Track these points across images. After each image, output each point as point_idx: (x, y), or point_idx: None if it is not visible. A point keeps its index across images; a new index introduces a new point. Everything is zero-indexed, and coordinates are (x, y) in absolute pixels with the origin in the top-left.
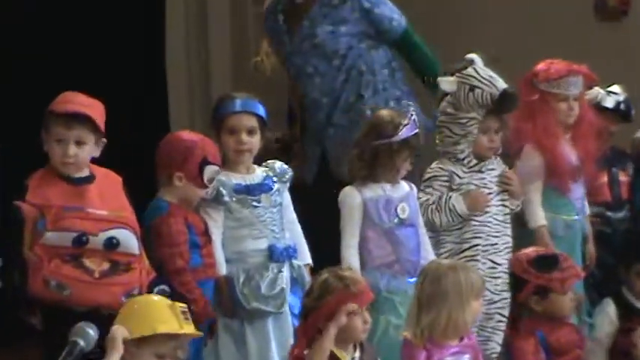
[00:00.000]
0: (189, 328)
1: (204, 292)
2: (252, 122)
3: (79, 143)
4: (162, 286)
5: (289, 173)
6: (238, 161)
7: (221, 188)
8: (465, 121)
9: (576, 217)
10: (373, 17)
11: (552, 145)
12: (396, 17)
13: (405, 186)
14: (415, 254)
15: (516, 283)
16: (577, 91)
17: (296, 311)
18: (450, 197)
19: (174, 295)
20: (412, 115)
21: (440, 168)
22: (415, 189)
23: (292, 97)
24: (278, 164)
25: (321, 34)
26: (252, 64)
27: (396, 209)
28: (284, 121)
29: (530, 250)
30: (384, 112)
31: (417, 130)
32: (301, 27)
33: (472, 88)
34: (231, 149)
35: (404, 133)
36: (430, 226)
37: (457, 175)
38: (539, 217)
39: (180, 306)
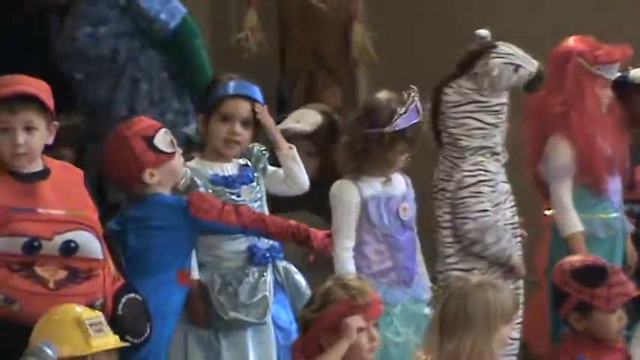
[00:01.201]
0: (100, 343)
1: (180, 301)
2: (249, 112)
3: (29, 129)
4: (132, 295)
5: (264, 157)
6: (224, 153)
7: (195, 178)
8: (498, 108)
9: (615, 214)
10: (133, 12)
11: (592, 135)
12: (162, 17)
13: (401, 181)
14: (412, 261)
15: (557, 295)
16: (614, 75)
17: (281, 322)
18: (510, 256)
19: (145, 305)
20: (413, 102)
21: (485, 171)
22: (410, 184)
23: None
24: (256, 148)
25: (81, 38)
26: (234, 41)
27: (397, 210)
28: (273, 108)
29: (576, 259)
30: (381, 96)
31: (416, 120)
32: (64, 27)
33: (517, 67)
34: (220, 138)
35: (399, 123)
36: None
37: (496, 176)
38: (574, 222)
39: (90, 317)
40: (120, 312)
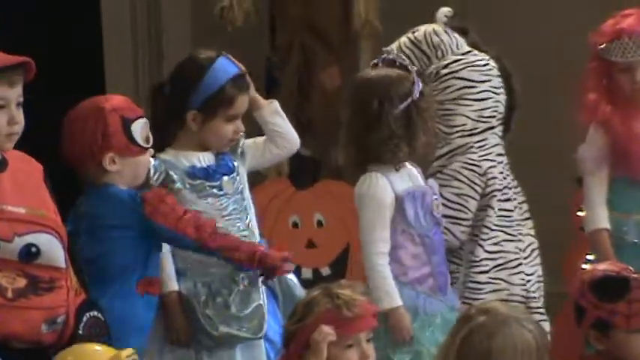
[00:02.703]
0: None
1: (147, 314)
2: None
3: (19, 105)
4: (94, 313)
5: (241, 139)
6: (222, 150)
7: (171, 172)
8: None
9: None
10: None
11: (620, 122)
12: None
13: (417, 171)
14: (445, 264)
15: (576, 310)
16: None
17: (271, 334)
18: None
19: (107, 326)
20: (401, 60)
21: None
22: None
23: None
24: None
25: None
26: (217, 11)
27: (430, 205)
28: (262, 88)
29: (599, 268)
30: (380, 72)
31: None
32: None
33: None
34: (226, 139)
35: (418, 82)
36: None
37: None
38: (598, 218)
39: (127, 355)
40: (80, 332)
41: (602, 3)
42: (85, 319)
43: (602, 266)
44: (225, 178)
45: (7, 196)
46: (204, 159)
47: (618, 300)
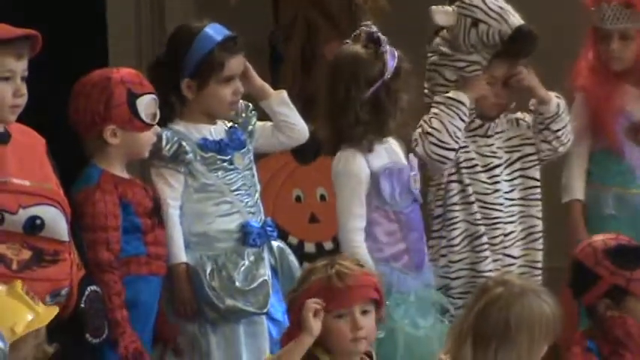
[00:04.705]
0: (45, 310)
1: (146, 294)
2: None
3: (23, 79)
4: (94, 287)
5: (253, 117)
6: (227, 116)
7: (184, 143)
8: (462, 65)
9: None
10: None
11: (599, 92)
12: None
13: (398, 145)
14: (422, 241)
15: (583, 279)
16: (620, 25)
17: (274, 313)
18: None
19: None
20: (377, 34)
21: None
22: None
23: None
24: (244, 104)
25: None
26: None
27: (408, 180)
28: (265, 64)
29: (608, 237)
30: (352, 50)
31: (396, 52)
32: None
33: (476, 22)
34: (226, 102)
35: (391, 62)
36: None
37: None
38: (572, 190)
39: (21, 286)
40: (83, 305)
41: None
42: (86, 292)
43: (610, 235)
44: (237, 153)
45: (11, 169)
46: (216, 132)
47: (636, 267)
